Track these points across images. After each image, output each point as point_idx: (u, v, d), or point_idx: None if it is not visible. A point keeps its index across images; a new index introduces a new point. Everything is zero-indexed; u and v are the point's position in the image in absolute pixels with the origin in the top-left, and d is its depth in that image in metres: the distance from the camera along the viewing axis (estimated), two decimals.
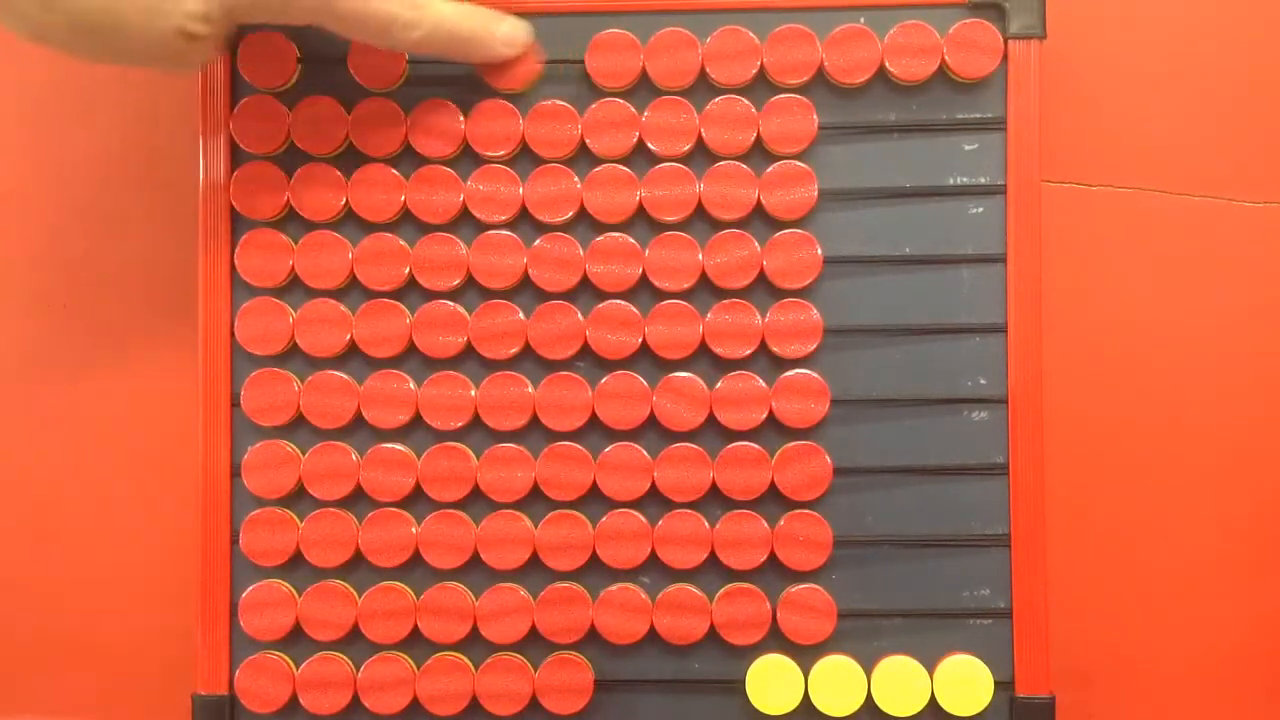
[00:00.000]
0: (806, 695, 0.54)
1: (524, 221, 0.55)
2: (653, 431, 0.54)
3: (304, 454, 0.54)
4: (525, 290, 0.55)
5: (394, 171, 0.54)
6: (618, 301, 0.54)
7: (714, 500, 0.54)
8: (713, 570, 0.54)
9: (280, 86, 0.55)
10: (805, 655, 0.54)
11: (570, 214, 0.54)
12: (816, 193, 0.54)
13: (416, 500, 0.55)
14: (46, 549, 0.59)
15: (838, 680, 0.54)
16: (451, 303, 0.55)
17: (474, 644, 0.55)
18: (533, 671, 0.54)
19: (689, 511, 0.54)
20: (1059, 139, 0.57)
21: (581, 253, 0.54)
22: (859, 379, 0.54)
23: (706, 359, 0.54)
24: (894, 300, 0.55)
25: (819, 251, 0.54)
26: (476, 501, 0.55)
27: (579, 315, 0.54)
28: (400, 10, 0.48)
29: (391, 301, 0.55)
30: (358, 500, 0.55)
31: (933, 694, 0.54)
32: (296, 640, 0.55)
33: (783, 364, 0.54)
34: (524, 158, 0.55)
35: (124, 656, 0.58)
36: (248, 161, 0.55)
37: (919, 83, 0.54)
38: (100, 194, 0.59)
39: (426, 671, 0.54)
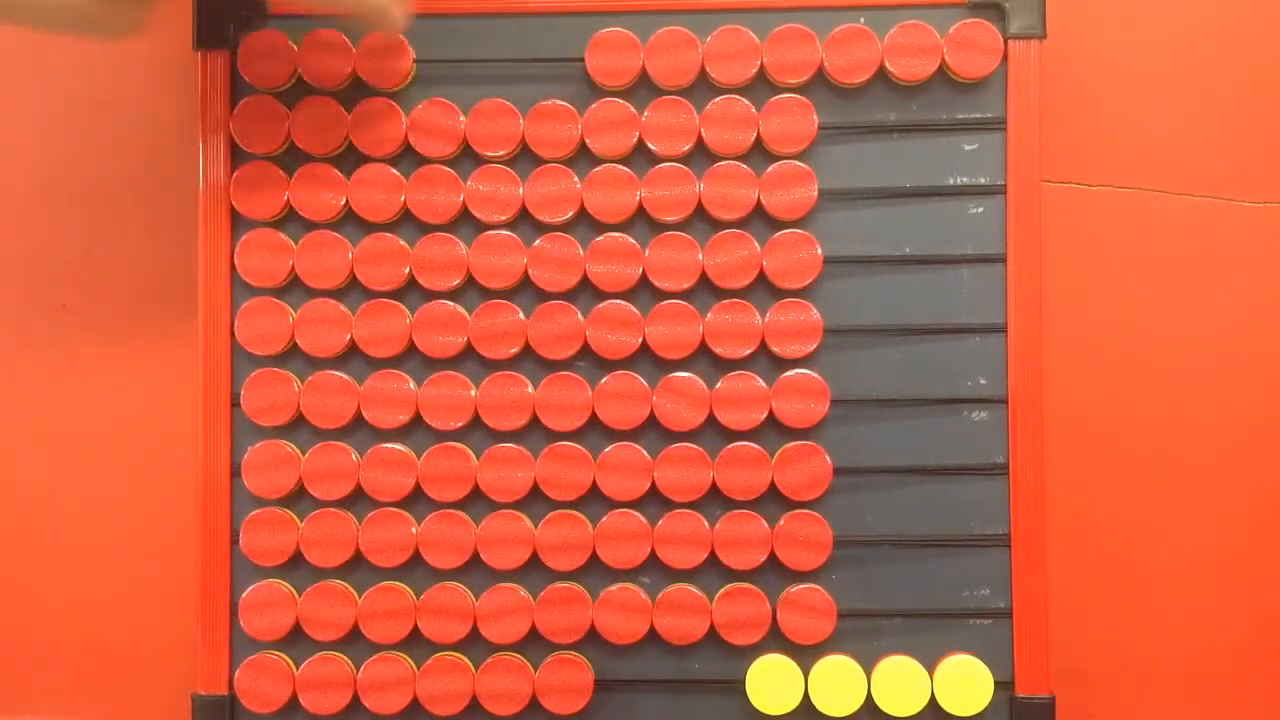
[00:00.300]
0: (806, 695, 0.54)
1: (524, 221, 0.55)
2: (653, 431, 0.54)
3: (304, 454, 0.54)
4: (525, 290, 0.55)
5: (394, 171, 0.54)
6: (618, 301, 0.54)
7: (714, 500, 0.54)
8: (713, 570, 0.54)
9: (280, 86, 0.55)
10: (805, 655, 0.54)
11: (570, 214, 0.54)
12: (816, 193, 0.54)
13: (416, 500, 0.55)
14: (47, 549, 0.59)
15: (838, 680, 0.54)
16: (451, 303, 0.55)
17: (474, 644, 0.55)
18: (533, 671, 0.54)
19: (689, 511, 0.54)
20: (1059, 139, 0.57)
21: (581, 253, 0.54)
22: (859, 379, 0.54)
23: (706, 359, 0.54)
24: (894, 300, 0.55)
25: (819, 251, 0.54)
26: (476, 501, 0.55)
27: (579, 315, 0.54)
28: None
29: (391, 301, 0.55)
30: (358, 500, 0.55)
31: (933, 694, 0.54)
32: (296, 640, 0.55)
33: (783, 364, 0.54)
34: (524, 158, 0.55)
35: (124, 656, 0.58)
36: (248, 161, 0.55)
37: (919, 83, 0.54)
38: (100, 194, 0.59)
39: (426, 671, 0.54)
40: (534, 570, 0.54)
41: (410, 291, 0.55)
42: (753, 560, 0.54)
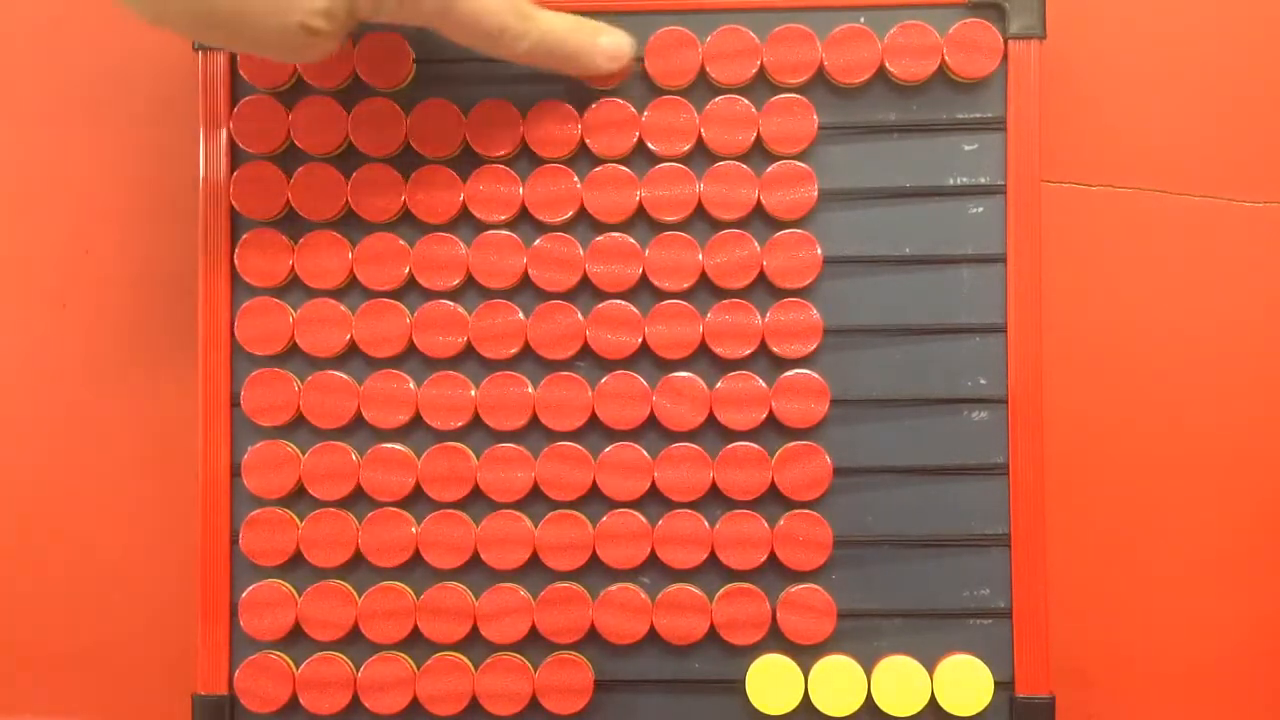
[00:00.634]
0: (806, 695, 0.54)
1: (524, 221, 0.55)
2: (653, 431, 0.54)
3: (304, 454, 0.54)
4: (525, 290, 0.55)
5: (394, 171, 0.54)
6: (618, 301, 0.54)
7: (714, 500, 0.54)
8: (713, 570, 0.54)
9: (280, 86, 0.55)
10: (805, 655, 0.54)
11: (570, 214, 0.54)
12: (816, 193, 0.54)
13: (416, 500, 0.55)
14: (47, 549, 0.59)
15: (838, 680, 0.54)
16: (451, 303, 0.55)
17: (474, 644, 0.55)
18: (533, 671, 0.54)
19: (689, 511, 0.54)
20: (1059, 139, 0.57)
21: (581, 253, 0.54)
22: (859, 379, 0.54)
23: (706, 359, 0.54)
24: (894, 300, 0.55)
25: (819, 251, 0.54)
26: (476, 501, 0.55)
27: (579, 315, 0.54)
28: (511, 21, 0.49)
29: (391, 301, 0.55)
30: (358, 500, 0.55)
31: (933, 694, 0.54)
32: (296, 640, 0.55)
33: (783, 364, 0.54)
34: (524, 157, 0.55)
35: (124, 656, 0.58)
36: (248, 161, 0.55)
37: (919, 83, 0.54)
38: (100, 194, 0.59)
39: (426, 671, 0.54)
40: (534, 570, 0.54)
41: (410, 291, 0.55)
42: (753, 560, 0.54)
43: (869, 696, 0.54)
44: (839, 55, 0.54)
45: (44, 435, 0.59)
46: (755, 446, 0.54)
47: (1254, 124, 0.58)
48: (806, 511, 0.54)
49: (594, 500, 0.54)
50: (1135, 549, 0.58)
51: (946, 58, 0.54)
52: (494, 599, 0.54)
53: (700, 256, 0.54)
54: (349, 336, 0.54)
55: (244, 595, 0.54)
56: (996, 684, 0.54)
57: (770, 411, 0.54)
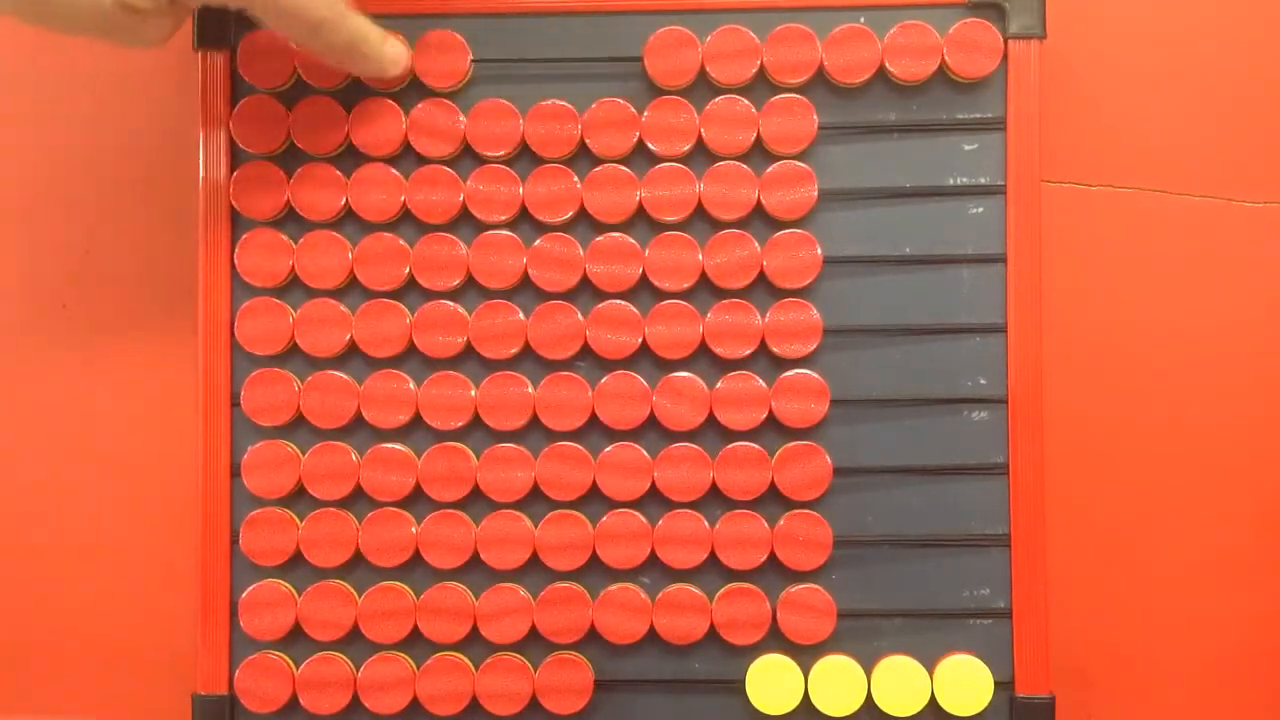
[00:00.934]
0: (806, 695, 0.54)
1: (524, 221, 0.55)
2: (653, 431, 0.54)
3: (304, 454, 0.54)
4: (525, 290, 0.55)
5: (394, 171, 0.54)
6: (618, 301, 0.54)
7: (714, 500, 0.54)
8: (713, 570, 0.54)
9: (280, 86, 0.55)
10: (805, 655, 0.54)
11: (570, 214, 0.54)
12: (816, 193, 0.54)
13: (416, 500, 0.55)
14: (46, 549, 0.59)
15: (838, 680, 0.54)
16: (451, 303, 0.55)
17: (474, 644, 0.55)
18: (533, 671, 0.54)
19: (689, 511, 0.54)
20: (1059, 139, 0.57)
21: (581, 253, 0.54)
22: (859, 379, 0.54)
23: (706, 359, 0.54)
24: (894, 300, 0.55)
25: (819, 251, 0.54)
26: (476, 501, 0.55)
27: (579, 315, 0.54)
28: (330, 15, 0.49)
29: (391, 301, 0.55)
30: (358, 500, 0.55)
31: (933, 694, 0.54)
32: (296, 640, 0.55)
33: (783, 364, 0.54)
34: (524, 158, 0.55)
35: (124, 656, 0.58)
36: (248, 161, 0.55)
37: (919, 83, 0.54)
38: (100, 194, 0.59)
39: (426, 671, 0.54)
40: (534, 570, 0.54)
41: (410, 291, 0.55)
42: (753, 560, 0.54)
43: (869, 696, 0.54)
44: (839, 55, 0.54)
45: (44, 435, 0.59)
46: (755, 446, 0.54)
47: (1254, 124, 0.58)
48: (806, 511, 0.54)
49: (594, 500, 0.54)
50: (1135, 549, 0.57)
51: (946, 58, 0.54)
52: (494, 599, 0.54)
53: (700, 256, 0.54)
54: (349, 336, 0.54)
55: (244, 595, 0.54)
56: (996, 684, 0.54)
57: (770, 411, 0.54)
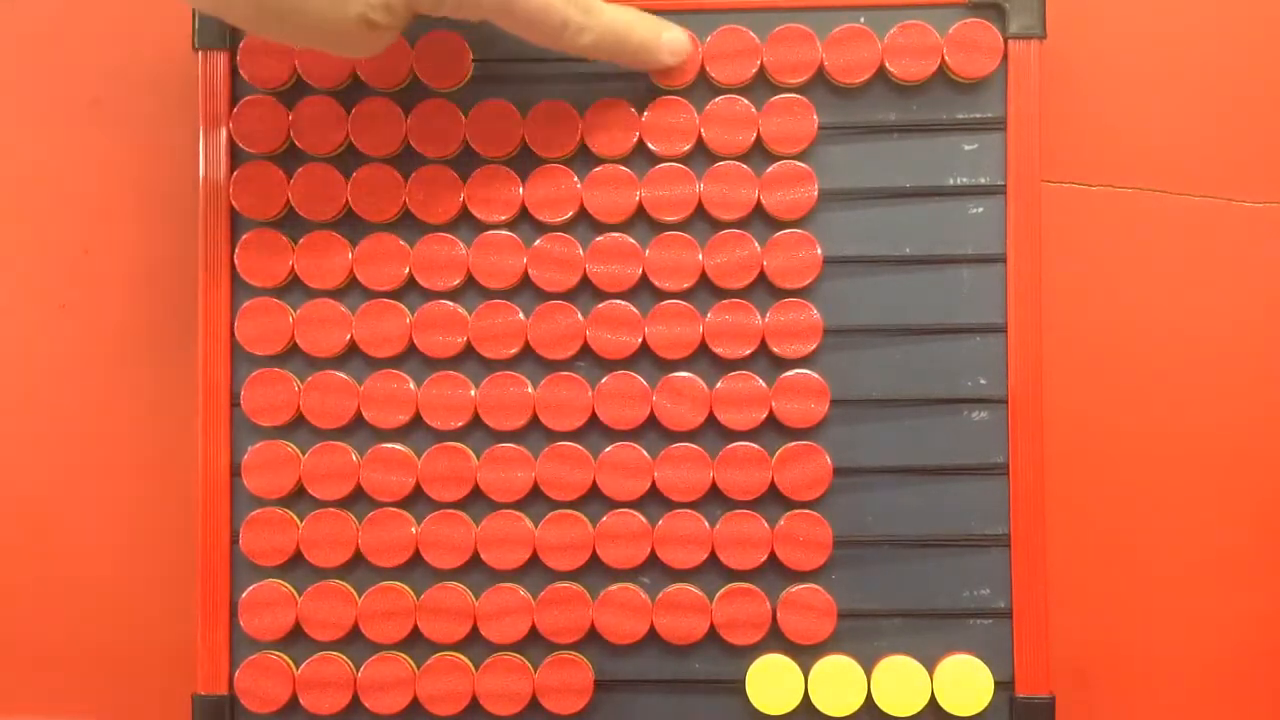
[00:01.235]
0: (806, 695, 0.54)
1: (524, 221, 0.55)
2: (653, 431, 0.54)
3: (304, 454, 0.54)
4: (525, 290, 0.55)
5: (394, 171, 0.54)
6: (618, 301, 0.54)
7: (714, 500, 0.54)
8: (713, 570, 0.54)
9: (280, 86, 0.55)
10: (805, 655, 0.54)
11: (570, 214, 0.54)
12: (816, 193, 0.54)
13: (416, 500, 0.55)
14: (46, 549, 0.59)
15: (838, 680, 0.54)
16: (451, 303, 0.55)
17: (474, 644, 0.55)
18: (533, 671, 0.54)
19: (689, 511, 0.54)
20: (1059, 139, 0.57)
21: (581, 253, 0.54)
22: (859, 379, 0.54)
23: (706, 359, 0.54)
24: (894, 300, 0.55)
25: (819, 251, 0.54)
26: (476, 501, 0.55)
27: (579, 315, 0.54)
28: (573, 15, 0.49)
29: (391, 301, 0.55)
30: (358, 500, 0.55)
31: (933, 694, 0.54)
32: (296, 640, 0.55)
33: (783, 364, 0.54)
34: (524, 157, 0.55)
35: (124, 656, 0.58)
36: (248, 161, 0.55)
37: (919, 83, 0.54)
38: (100, 194, 0.59)
39: (426, 671, 0.54)
40: (534, 570, 0.54)
41: (410, 291, 0.55)
42: (753, 560, 0.54)
43: (869, 696, 0.54)
44: (839, 55, 0.54)
45: (44, 435, 0.59)
46: (755, 446, 0.54)
47: (1254, 124, 0.58)
48: (806, 511, 0.54)
49: (594, 500, 0.54)
50: (1135, 549, 0.57)
51: (946, 58, 0.54)
52: (494, 599, 0.54)
53: (700, 256, 0.54)
54: (349, 336, 0.54)
55: (244, 595, 0.54)
56: (996, 684, 0.54)
57: (770, 411, 0.54)
